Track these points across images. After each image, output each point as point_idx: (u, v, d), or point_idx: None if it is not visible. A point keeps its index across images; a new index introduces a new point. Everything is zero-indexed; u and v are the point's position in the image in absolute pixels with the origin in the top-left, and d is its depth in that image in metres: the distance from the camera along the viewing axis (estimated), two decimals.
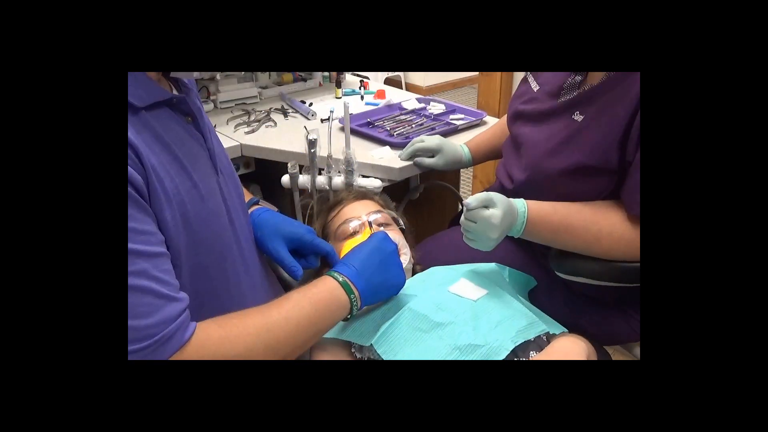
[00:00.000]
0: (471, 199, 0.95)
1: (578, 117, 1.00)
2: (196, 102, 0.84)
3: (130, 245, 0.63)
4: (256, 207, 1.01)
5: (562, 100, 1.05)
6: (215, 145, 0.86)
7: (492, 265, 1.07)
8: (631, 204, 0.96)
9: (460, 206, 1.41)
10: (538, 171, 1.06)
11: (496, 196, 0.96)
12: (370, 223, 1.07)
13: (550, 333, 0.93)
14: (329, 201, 1.18)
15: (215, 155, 0.83)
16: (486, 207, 0.95)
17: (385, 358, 0.87)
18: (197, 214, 0.75)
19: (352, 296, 0.83)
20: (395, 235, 1.05)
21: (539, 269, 1.15)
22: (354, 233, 1.06)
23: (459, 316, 0.91)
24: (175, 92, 0.80)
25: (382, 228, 1.06)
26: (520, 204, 0.99)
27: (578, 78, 1.05)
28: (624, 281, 1.02)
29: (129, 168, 0.65)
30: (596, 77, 1.00)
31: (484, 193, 0.96)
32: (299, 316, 0.77)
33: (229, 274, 0.82)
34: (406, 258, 1.03)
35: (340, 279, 0.84)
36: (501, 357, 0.85)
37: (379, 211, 1.09)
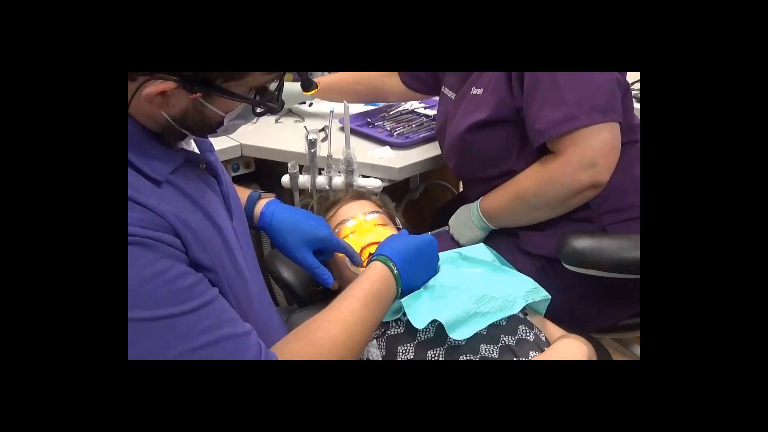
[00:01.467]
0: None
1: (477, 91, 1.15)
2: (207, 142, 0.83)
3: (193, 302, 0.65)
4: (265, 202, 1.01)
5: (463, 89, 1.21)
6: (227, 186, 0.85)
7: (482, 246, 1.12)
8: (534, 138, 1.08)
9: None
10: (454, 140, 1.19)
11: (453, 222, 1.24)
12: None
13: (549, 337, 0.94)
14: (327, 201, 1.19)
15: (228, 198, 0.83)
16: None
17: (410, 317, 0.87)
18: (222, 261, 0.75)
19: (399, 290, 0.87)
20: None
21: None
22: (350, 233, 1.05)
23: (471, 279, 0.95)
24: (184, 144, 0.78)
25: (379, 228, 1.06)
26: (473, 205, 1.20)
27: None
28: (633, 272, 1.04)
29: (167, 235, 0.65)
30: None
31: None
32: (371, 316, 0.81)
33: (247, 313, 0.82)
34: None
35: (396, 272, 0.86)
36: (516, 310, 0.89)
37: (375, 211, 1.09)
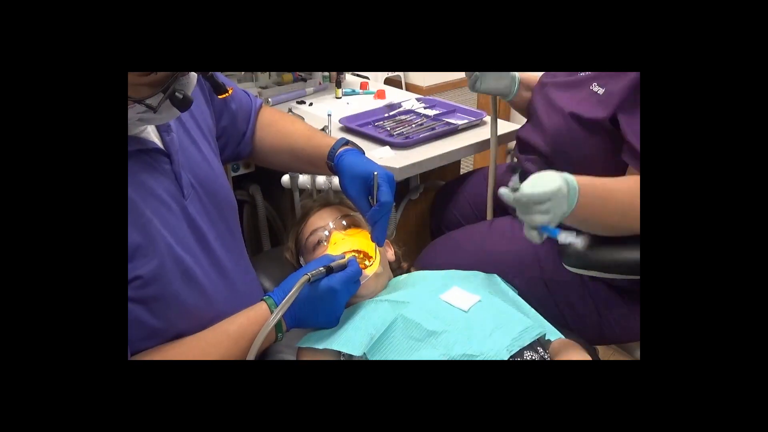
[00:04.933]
0: (526, 184, 0.86)
1: (598, 89, 1.07)
2: (169, 125, 0.85)
3: None
4: (343, 149, 1.03)
5: (581, 75, 1.14)
6: (188, 162, 0.86)
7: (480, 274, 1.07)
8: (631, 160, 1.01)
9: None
10: (558, 118, 1.12)
11: (542, 173, 0.90)
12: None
13: (545, 338, 0.93)
14: (301, 211, 1.17)
15: (181, 177, 0.84)
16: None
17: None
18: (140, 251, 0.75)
19: (279, 335, 0.87)
20: (364, 241, 1.00)
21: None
22: (320, 242, 1.03)
23: (452, 324, 0.89)
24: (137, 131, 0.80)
25: (352, 234, 1.02)
26: (566, 175, 0.92)
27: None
28: (635, 274, 1.03)
29: None
30: None
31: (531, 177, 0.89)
32: (238, 353, 0.81)
33: (191, 294, 0.82)
34: (374, 267, 0.97)
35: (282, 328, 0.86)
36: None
37: (345, 216, 1.06)
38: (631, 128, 1.01)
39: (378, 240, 0.97)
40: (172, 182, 0.83)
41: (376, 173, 0.95)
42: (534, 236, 0.88)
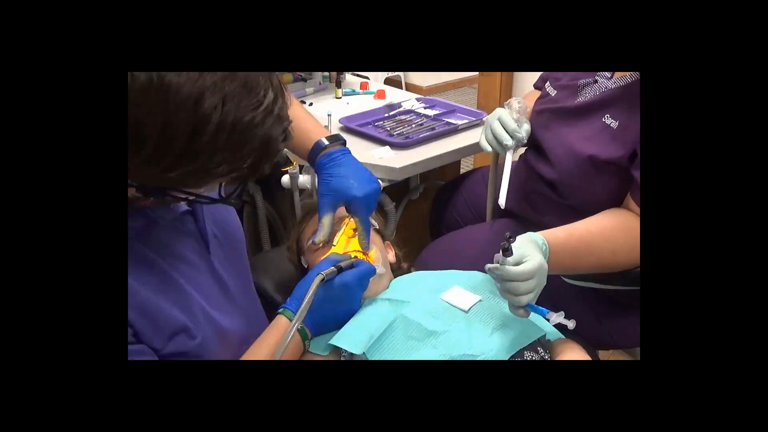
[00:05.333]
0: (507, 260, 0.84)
1: (610, 121, 1.01)
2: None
3: None
4: (335, 148, 0.99)
5: (581, 100, 1.07)
6: (209, 213, 0.85)
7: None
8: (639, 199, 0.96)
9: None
10: (572, 160, 1.04)
11: (523, 243, 0.88)
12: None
13: (545, 338, 0.93)
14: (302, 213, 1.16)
15: (206, 233, 0.83)
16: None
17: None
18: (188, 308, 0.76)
19: (306, 342, 0.87)
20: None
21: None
22: (323, 244, 1.01)
23: (453, 324, 0.89)
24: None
25: (351, 237, 1.01)
26: (536, 236, 0.92)
27: (590, 79, 1.07)
28: (632, 285, 1.02)
29: None
30: (612, 75, 1.02)
31: (517, 246, 0.86)
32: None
33: (224, 348, 0.82)
34: (377, 266, 0.97)
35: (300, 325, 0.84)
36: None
37: (342, 217, 1.04)
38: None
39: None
40: (197, 241, 0.82)
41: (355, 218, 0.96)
42: (522, 314, 0.86)
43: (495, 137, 1.15)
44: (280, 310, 0.87)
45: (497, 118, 1.16)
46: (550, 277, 1.13)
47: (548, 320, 0.85)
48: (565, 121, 1.10)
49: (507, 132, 1.13)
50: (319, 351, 0.89)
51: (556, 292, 1.14)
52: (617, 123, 0.99)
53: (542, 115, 1.17)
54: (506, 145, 1.13)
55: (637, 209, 0.97)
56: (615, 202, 1.02)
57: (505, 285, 0.84)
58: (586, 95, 1.07)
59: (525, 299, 0.84)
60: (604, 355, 1.74)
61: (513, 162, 1.16)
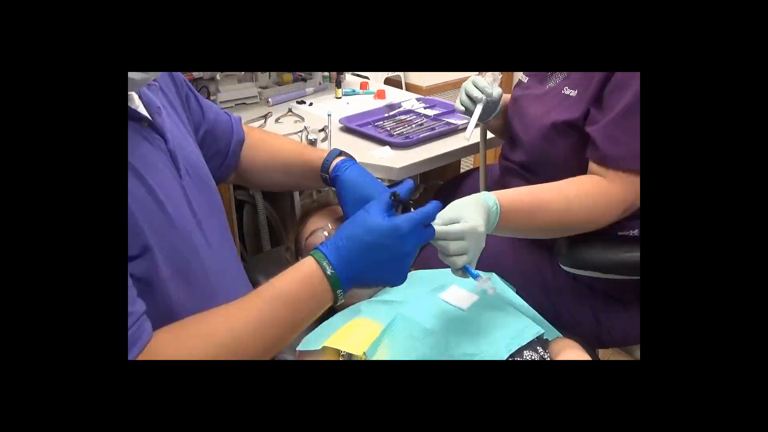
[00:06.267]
0: (439, 218, 0.83)
1: (569, 91, 1.08)
2: (154, 101, 0.81)
3: None
4: (339, 159, 0.99)
5: (552, 84, 1.14)
6: (181, 147, 0.84)
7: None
8: (592, 151, 1.00)
9: None
10: (538, 134, 1.10)
11: (459, 203, 0.89)
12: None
13: (544, 337, 0.93)
14: (300, 212, 1.16)
15: (177, 158, 0.81)
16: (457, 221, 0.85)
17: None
18: (151, 221, 0.72)
19: (338, 291, 0.73)
20: None
21: (558, 275, 1.15)
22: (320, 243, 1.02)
23: (451, 323, 0.89)
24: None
25: None
26: (487, 196, 0.92)
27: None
28: (631, 274, 1.03)
29: None
30: None
31: (448, 207, 0.87)
32: (270, 318, 0.71)
33: (196, 277, 0.79)
34: None
35: (329, 272, 0.73)
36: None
37: (345, 216, 1.05)
38: (595, 121, 1.01)
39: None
40: (169, 160, 0.80)
41: (396, 193, 0.83)
42: (460, 275, 0.86)
43: (468, 97, 1.24)
44: (311, 252, 0.76)
45: (471, 81, 1.25)
46: (550, 276, 1.14)
47: (477, 283, 0.84)
48: (531, 103, 1.17)
49: (478, 89, 1.22)
50: (310, 346, 0.88)
51: (555, 290, 1.15)
52: (576, 92, 1.06)
53: (516, 103, 1.23)
54: (476, 97, 1.21)
55: (595, 167, 1.01)
56: (580, 167, 1.05)
57: (436, 243, 0.83)
58: (557, 80, 1.13)
59: (459, 260, 0.83)
60: (604, 354, 1.74)
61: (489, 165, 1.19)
